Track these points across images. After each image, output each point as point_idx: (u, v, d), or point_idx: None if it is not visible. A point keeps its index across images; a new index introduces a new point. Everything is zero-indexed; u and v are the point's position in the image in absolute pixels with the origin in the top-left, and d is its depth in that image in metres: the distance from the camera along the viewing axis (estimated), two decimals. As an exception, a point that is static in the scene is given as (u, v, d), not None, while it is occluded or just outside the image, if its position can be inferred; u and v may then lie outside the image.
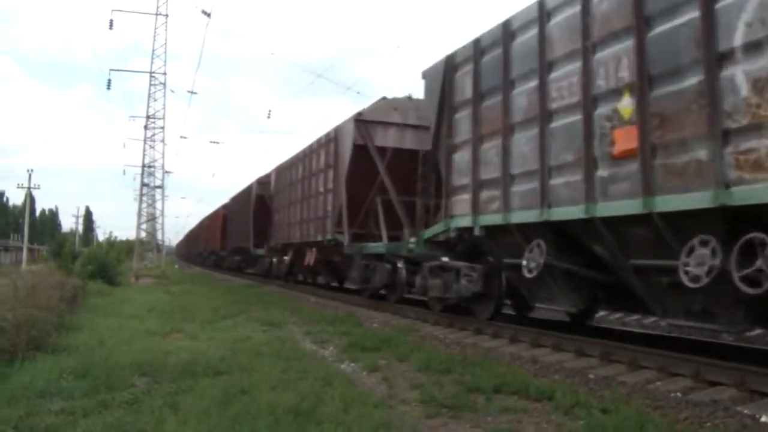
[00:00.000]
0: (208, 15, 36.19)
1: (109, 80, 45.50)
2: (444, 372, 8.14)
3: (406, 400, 6.80)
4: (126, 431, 5.26)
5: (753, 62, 6.57)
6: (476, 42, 11.43)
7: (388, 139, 17.56)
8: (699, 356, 7.86)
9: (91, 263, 27.05)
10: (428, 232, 13.32)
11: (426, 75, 13.39)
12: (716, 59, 6.91)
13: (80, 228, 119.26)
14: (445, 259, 13.05)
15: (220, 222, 46.85)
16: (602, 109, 8.41)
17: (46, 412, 5.92)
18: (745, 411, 6.17)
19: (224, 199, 46.30)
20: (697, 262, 7.14)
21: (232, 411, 5.74)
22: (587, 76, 8.63)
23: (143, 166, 42.25)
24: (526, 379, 7.60)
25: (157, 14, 40.78)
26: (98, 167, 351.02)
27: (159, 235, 48.05)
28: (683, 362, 7.72)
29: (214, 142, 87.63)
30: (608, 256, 9.03)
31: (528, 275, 9.90)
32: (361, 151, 17.56)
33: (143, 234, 44.47)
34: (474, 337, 11.37)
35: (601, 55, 8.42)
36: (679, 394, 6.88)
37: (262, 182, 32.49)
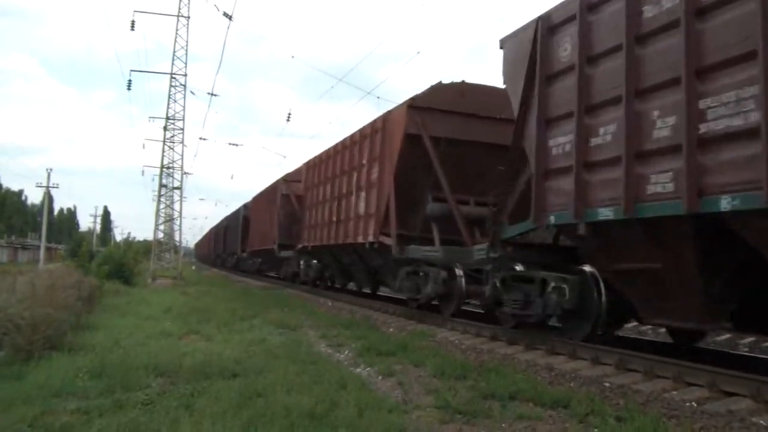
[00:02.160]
0: (230, 17, 36.23)
1: (129, 81, 45.64)
2: (459, 378, 8.13)
3: (420, 406, 6.79)
4: (141, 431, 5.28)
5: None
6: None
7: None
8: (715, 366, 7.81)
9: (107, 263, 27.15)
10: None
11: (506, 42, 11.20)
12: None
13: (98, 228, 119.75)
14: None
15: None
16: None
17: (61, 411, 5.96)
18: (761, 422, 6.12)
19: (241, 202, 48.97)
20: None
21: (247, 413, 5.75)
22: None
23: (162, 167, 42.26)
24: (541, 386, 7.58)
25: (178, 16, 40.80)
26: (117, 167, 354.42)
27: (177, 237, 48.10)
28: (699, 372, 7.66)
29: (233, 144, 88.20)
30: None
31: None
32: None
33: (161, 235, 44.54)
34: (490, 344, 11.33)
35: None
36: (694, 404, 6.83)
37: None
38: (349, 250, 19.88)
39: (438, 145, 14.90)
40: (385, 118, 16.81)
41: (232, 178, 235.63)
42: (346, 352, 10.35)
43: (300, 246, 25.72)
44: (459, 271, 13.68)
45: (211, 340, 10.85)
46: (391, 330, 13.60)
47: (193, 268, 64.43)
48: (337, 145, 21.41)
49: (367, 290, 23.12)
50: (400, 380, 8.08)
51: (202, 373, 7.66)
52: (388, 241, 15.97)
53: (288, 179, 30.26)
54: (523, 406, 6.78)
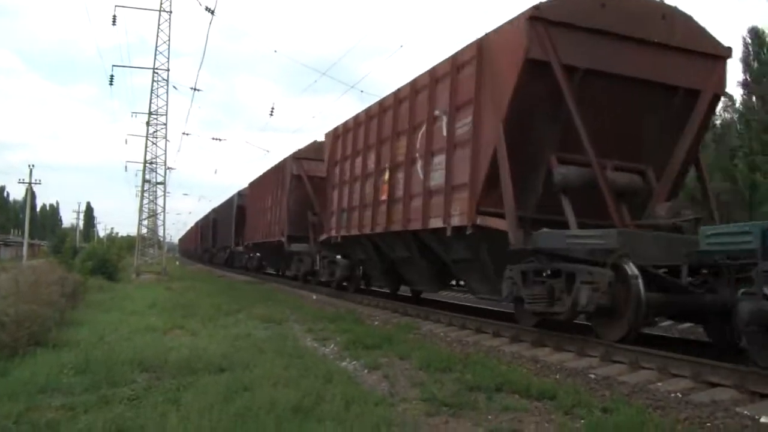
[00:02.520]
0: (212, 12, 35.92)
1: (112, 76, 45.54)
2: (445, 370, 8.13)
3: (407, 398, 6.80)
4: (127, 427, 5.26)
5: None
6: None
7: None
8: (699, 357, 7.86)
9: (91, 259, 27.04)
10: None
11: None
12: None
13: (81, 224, 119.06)
14: None
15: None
16: None
17: (46, 407, 5.92)
18: (745, 412, 6.18)
19: (225, 197, 48.41)
20: None
21: (234, 407, 5.74)
22: None
23: (145, 162, 41.97)
24: (527, 378, 7.60)
25: (160, 10, 40.50)
26: (100, 163, 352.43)
27: (160, 232, 47.87)
28: (683, 363, 7.72)
29: (216, 139, 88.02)
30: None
31: None
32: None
33: (144, 230, 44.33)
34: (475, 336, 11.37)
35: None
36: (679, 395, 6.89)
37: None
38: (408, 239, 14.86)
39: (572, 80, 10.37)
40: (483, 44, 11.59)
41: (215, 173, 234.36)
42: (332, 346, 10.35)
43: (324, 237, 20.34)
44: (632, 269, 8.62)
45: (197, 335, 10.81)
46: (376, 323, 13.63)
47: (177, 263, 64.29)
48: (383, 100, 16.15)
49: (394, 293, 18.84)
50: (386, 373, 8.09)
51: (188, 368, 7.63)
52: (497, 224, 10.83)
53: (300, 156, 25.10)
54: (508, 398, 6.79)
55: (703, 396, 6.79)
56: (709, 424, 5.90)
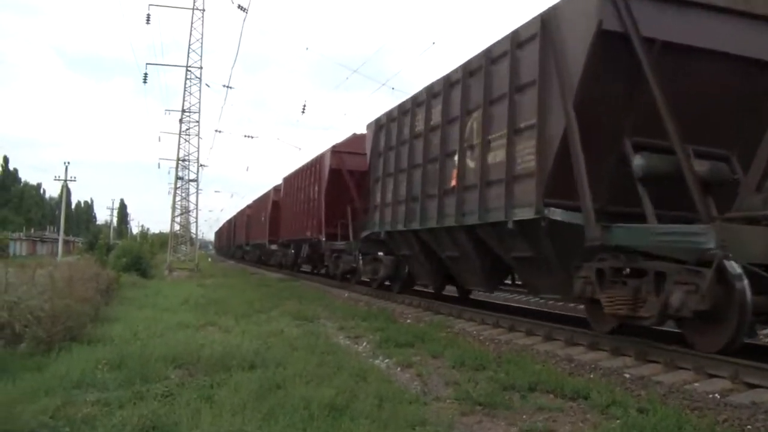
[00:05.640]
0: (245, 10, 36.09)
1: (146, 74, 45.86)
2: (478, 369, 8.10)
3: (440, 397, 6.77)
4: (162, 423, 5.28)
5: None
6: None
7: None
8: (737, 358, 7.72)
9: (125, 255, 27.30)
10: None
11: None
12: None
13: (115, 220, 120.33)
14: None
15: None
16: None
17: (82, 402, 5.95)
18: (786, 414, 6.07)
19: (258, 193, 48.49)
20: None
21: (267, 405, 5.74)
22: None
23: (178, 159, 42.33)
24: (561, 377, 7.54)
25: (193, 9, 40.90)
26: (133, 160, 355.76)
27: (193, 229, 48.19)
28: (721, 363, 7.59)
29: (248, 137, 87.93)
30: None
31: None
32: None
33: (177, 227, 44.66)
34: (508, 334, 11.29)
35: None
36: (717, 396, 6.77)
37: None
38: (461, 235, 13.37)
39: (650, 54, 9.02)
40: (548, 17, 10.31)
41: (247, 170, 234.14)
42: (365, 344, 10.35)
43: (367, 233, 19.26)
44: (735, 269, 7.48)
45: (229, 331, 10.84)
46: (408, 321, 13.58)
47: (209, 260, 64.71)
48: (432, 86, 14.86)
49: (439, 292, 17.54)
50: (419, 372, 8.06)
51: (220, 364, 7.65)
52: (571, 218, 9.66)
53: (339, 149, 23.73)
54: (543, 398, 6.75)
55: (742, 397, 6.67)
56: (749, 427, 5.81)
